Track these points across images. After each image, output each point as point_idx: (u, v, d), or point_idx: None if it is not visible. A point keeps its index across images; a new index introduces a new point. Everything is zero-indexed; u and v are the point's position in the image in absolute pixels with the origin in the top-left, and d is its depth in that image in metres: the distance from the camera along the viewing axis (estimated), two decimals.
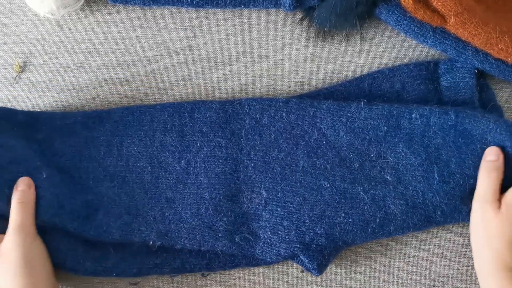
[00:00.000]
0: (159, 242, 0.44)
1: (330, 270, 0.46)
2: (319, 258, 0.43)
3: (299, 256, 0.44)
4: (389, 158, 0.44)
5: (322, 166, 0.44)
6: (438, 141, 0.44)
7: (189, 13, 0.50)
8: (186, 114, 0.46)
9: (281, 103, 0.46)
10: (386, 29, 0.50)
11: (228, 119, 0.46)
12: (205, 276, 0.46)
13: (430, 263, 0.47)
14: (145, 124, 0.46)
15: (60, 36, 0.50)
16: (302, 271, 0.46)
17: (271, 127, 0.46)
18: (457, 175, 0.43)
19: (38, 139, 0.45)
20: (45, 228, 0.42)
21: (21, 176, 0.42)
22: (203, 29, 0.50)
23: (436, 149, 0.44)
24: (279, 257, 0.44)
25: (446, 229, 0.47)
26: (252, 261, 0.45)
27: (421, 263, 0.47)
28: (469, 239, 0.47)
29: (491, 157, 0.42)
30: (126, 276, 0.45)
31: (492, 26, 0.43)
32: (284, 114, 0.46)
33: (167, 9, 0.50)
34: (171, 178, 0.45)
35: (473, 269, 0.46)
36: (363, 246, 0.47)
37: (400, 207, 0.43)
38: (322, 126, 0.45)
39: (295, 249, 0.43)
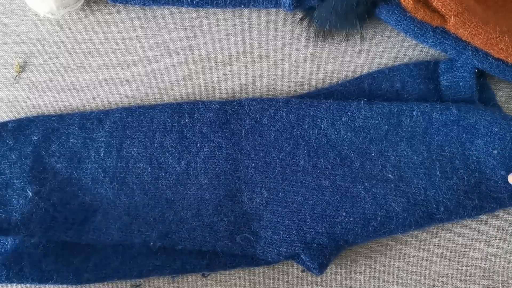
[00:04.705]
0: (159, 243, 0.44)
1: (330, 270, 0.46)
2: (320, 257, 0.43)
3: (300, 256, 0.44)
4: (391, 156, 0.44)
5: (323, 166, 0.44)
6: (441, 137, 0.44)
7: (189, 13, 0.50)
8: (186, 114, 0.46)
9: (281, 103, 0.46)
10: (386, 29, 0.50)
11: (228, 119, 0.46)
12: (206, 277, 0.46)
13: (430, 263, 0.46)
14: (145, 125, 0.46)
15: (60, 36, 0.50)
16: (303, 271, 0.46)
17: (271, 127, 0.45)
18: (461, 170, 0.43)
19: (33, 141, 0.45)
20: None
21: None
22: (203, 29, 0.50)
23: (439, 146, 0.44)
24: (280, 257, 0.44)
25: (446, 229, 0.47)
26: (253, 261, 0.45)
27: (421, 263, 0.47)
28: (469, 239, 0.47)
29: None
30: (126, 279, 0.45)
31: (492, 26, 0.43)
32: (284, 114, 0.45)
33: (167, 9, 0.50)
34: (171, 179, 0.45)
35: (473, 269, 0.46)
36: (363, 246, 0.47)
37: (401, 205, 0.43)
38: (322, 126, 0.45)
39: (296, 248, 0.43)
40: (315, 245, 0.43)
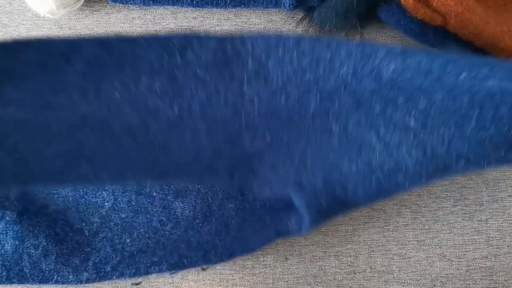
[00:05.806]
0: (156, 185, 0.41)
1: (330, 270, 0.46)
2: (314, 203, 0.39)
3: (293, 204, 0.41)
4: (421, 103, 0.37)
5: (336, 111, 0.38)
6: (495, 83, 0.35)
7: (189, 13, 0.50)
8: (177, 53, 0.38)
9: (291, 44, 0.38)
10: (386, 29, 0.50)
11: (228, 60, 0.38)
12: (204, 270, 0.46)
13: (430, 263, 0.47)
14: (126, 65, 0.38)
15: (60, 36, 0.50)
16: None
17: (278, 71, 0.38)
18: (505, 118, 0.35)
19: None
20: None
21: None
22: (203, 29, 0.50)
23: (489, 91, 0.35)
24: (275, 195, 0.41)
25: (446, 229, 0.47)
26: (248, 246, 0.43)
27: (421, 263, 0.47)
28: (469, 239, 0.47)
29: None
30: (125, 277, 0.45)
31: (492, 26, 0.43)
32: (294, 57, 0.38)
33: (167, 9, 0.50)
34: (163, 125, 0.39)
35: (473, 269, 0.46)
36: (363, 246, 0.47)
37: (415, 157, 0.37)
38: (341, 72, 0.38)
39: (291, 189, 0.40)
40: (310, 187, 0.40)
